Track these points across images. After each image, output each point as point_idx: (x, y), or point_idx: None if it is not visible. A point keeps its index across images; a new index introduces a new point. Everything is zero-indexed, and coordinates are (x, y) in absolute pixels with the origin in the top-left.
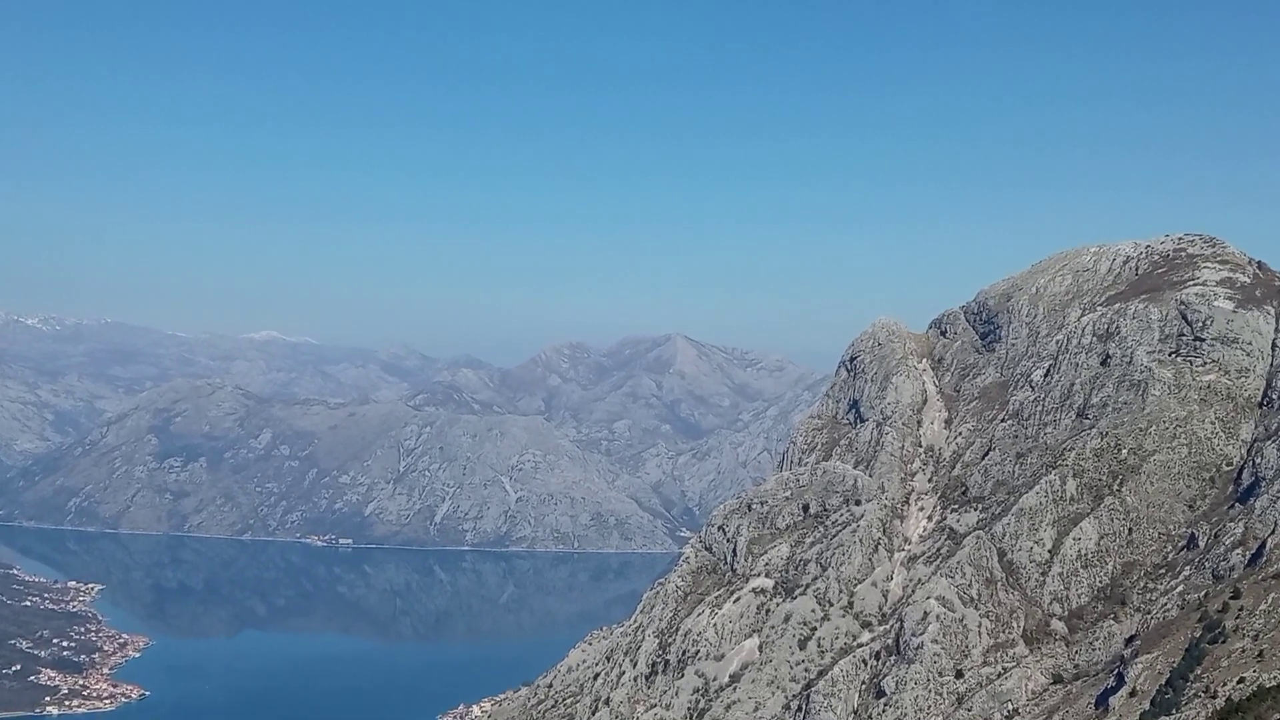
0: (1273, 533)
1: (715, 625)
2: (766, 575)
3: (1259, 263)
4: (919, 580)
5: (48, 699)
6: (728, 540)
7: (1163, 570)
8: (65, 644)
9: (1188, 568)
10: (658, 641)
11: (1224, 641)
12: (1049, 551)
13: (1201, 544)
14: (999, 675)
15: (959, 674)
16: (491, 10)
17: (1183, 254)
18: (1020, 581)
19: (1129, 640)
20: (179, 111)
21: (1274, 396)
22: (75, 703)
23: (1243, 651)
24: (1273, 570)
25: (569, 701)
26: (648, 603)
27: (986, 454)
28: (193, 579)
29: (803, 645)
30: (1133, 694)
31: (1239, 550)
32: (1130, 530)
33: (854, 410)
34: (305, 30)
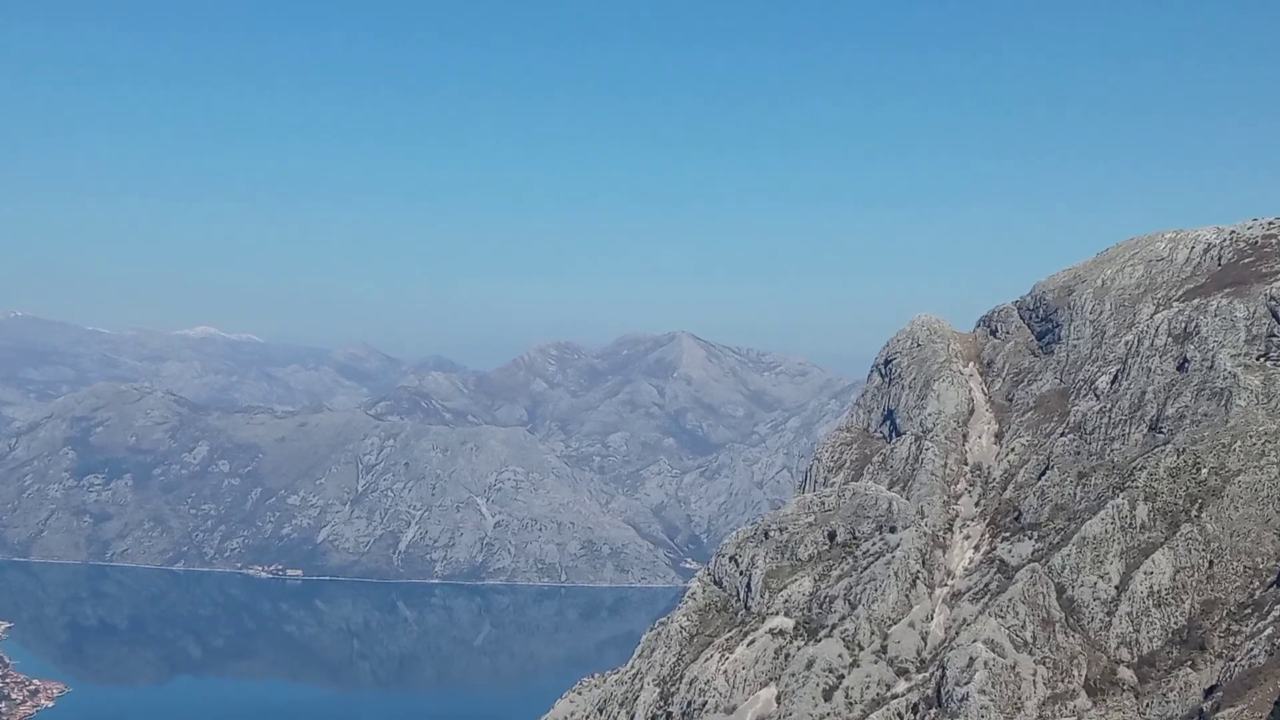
0: None
1: (726, 672)
2: (786, 614)
3: None
4: (964, 620)
5: None
6: (741, 573)
7: (1249, 610)
8: None
9: (1278, 607)
10: (659, 691)
11: None
12: (1116, 588)
13: None
14: None
15: None
16: None
17: (1273, 241)
18: (1082, 622)
19: (1209, 691)
20: (96, 70)
21: None
22: None
23: None
24: None
25: None
26: (647, 645)
27: (1043, 473)
28: (116, 616)
29: (828, 696)
30: None
31: None
32: (1211, 563)
33: (889, 422)
34: None
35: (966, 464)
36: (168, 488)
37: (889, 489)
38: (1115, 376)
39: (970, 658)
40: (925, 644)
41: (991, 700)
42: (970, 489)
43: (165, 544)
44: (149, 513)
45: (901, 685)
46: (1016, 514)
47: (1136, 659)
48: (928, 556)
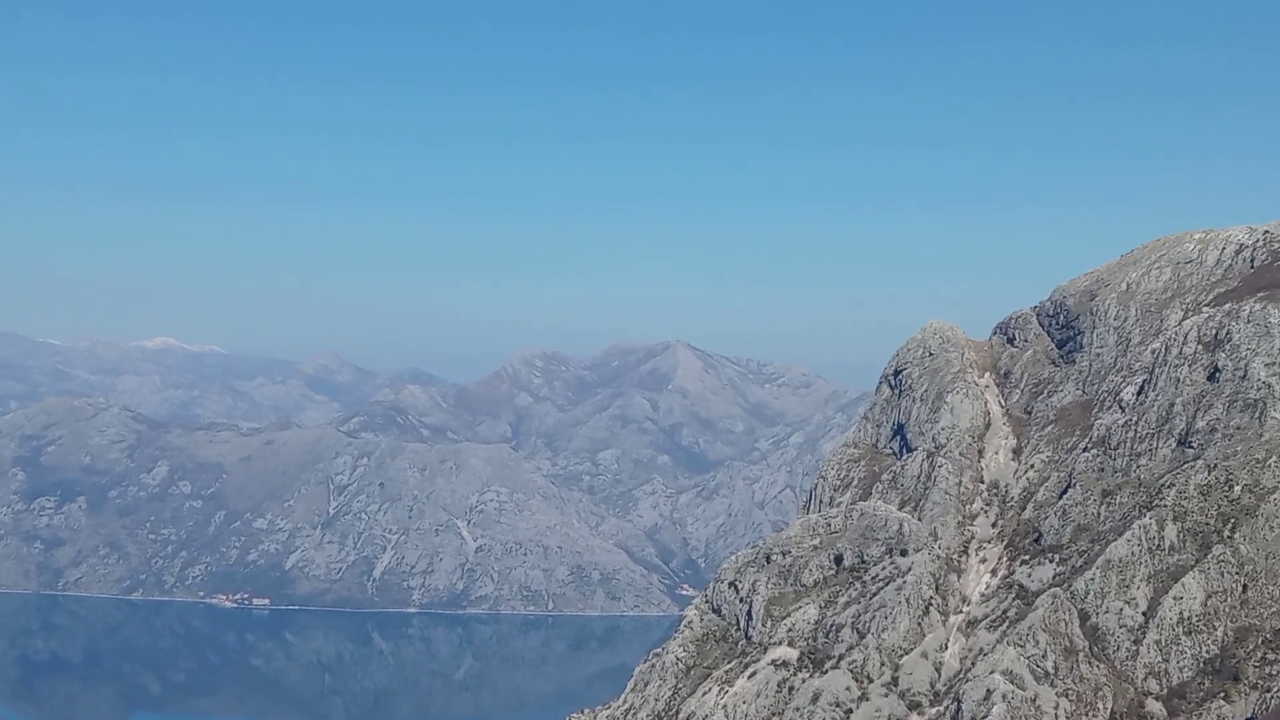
0: None
1: (726, 706)
2: (790, 644)
3: None
4: (980, 650)
5: None
6: (741, 600)
7: None
8: None
9: None
10: None
11: None
12: (1143, 614)
13: None
14: None
15: None
16: None
17: None
18: (1107, 651)
19: None
20: (37, 61)
21: None
22: None
23: None
24: None
25: None
26: (641, 678)
27: (1065, 492)
28: (69, 649)
29: None
30: None
31: None
32: (1245, 587)
33: (899, 437)
34: None
35: (983, 482)
36: (125, 511)
37: (900, 509)
38: (1141, 387)
39: (988, 690)
40: (939, 675)
41: None
42: (987, 509)
43: (122, 572)
44: (105, 538)
45: (914, 719)
46: (1036, 535)
47: (1166, 690)
48: (941, 581)
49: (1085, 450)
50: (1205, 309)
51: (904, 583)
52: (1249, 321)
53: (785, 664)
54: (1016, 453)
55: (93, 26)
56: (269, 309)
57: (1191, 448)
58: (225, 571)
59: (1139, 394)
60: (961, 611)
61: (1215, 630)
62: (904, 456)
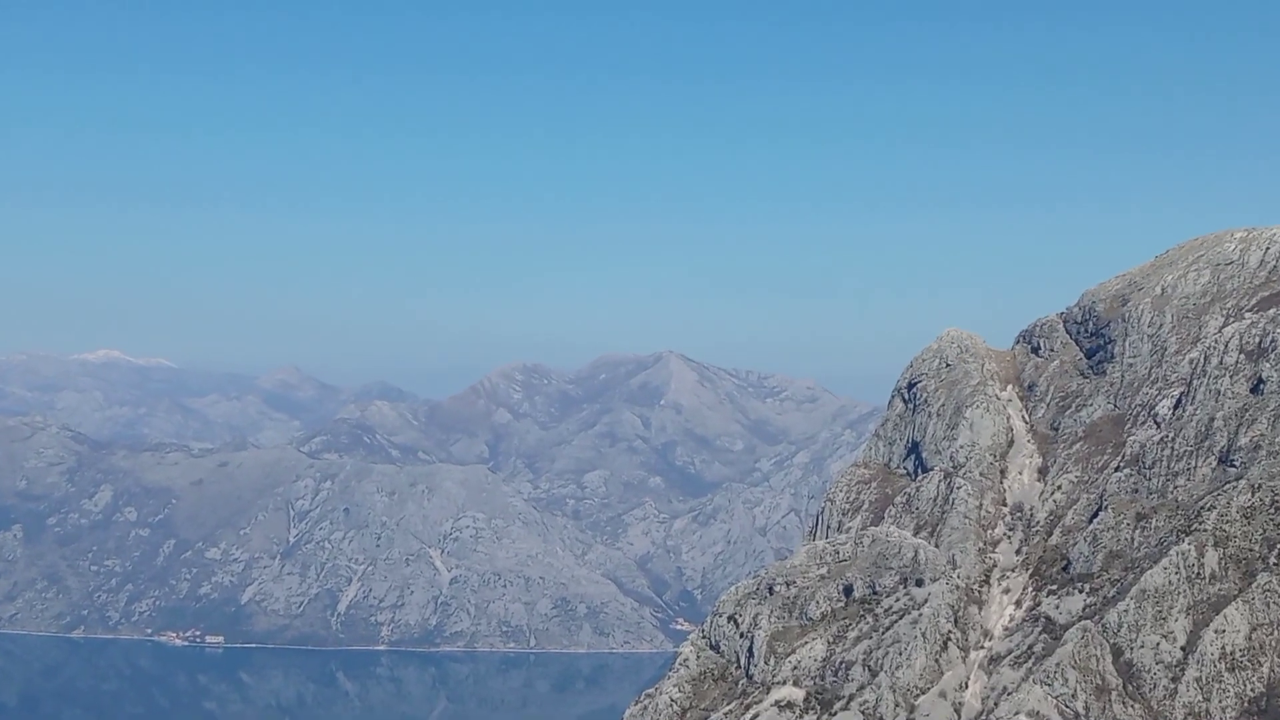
0: None
1: None
2: (795, 683)
3: None
4: (1004, 689)
5: None
6: (741, 635)
7: None
8: None
9: None
10: None
11: None
12: (1182, 649)
13: None
14: None
15: None
16: None
17: None
18: (1143, 690)
19: None
20: None
21: None
22: None
23: None
24: None
25: None
26: None
27: (1095, 515)
28: (3, 692)
29: None
30: None
31: None
32: None
33: (913, 456)
34: None
35: (1005, 505)
36: (64, 540)
37: (915, 535)
38: (1178, 400)
39: None
40: (959, 717)
41: None
42: (1010, 534)
43: (62, 607)
44: (42, 570)
45: None
46: (1064, 563)
47: None
48: (961, 614)
49: (1117, 470)
50: (1248, 314)
51: (920, 615)
52: None
53: (790, 705)
54: (1042, 472)
55: (17, 21)
56: (223, 319)
57: (1234, 466)
58: (175, 606)
59: (1176, 408)
60: (983, 647)
61: (1261, 666)
62: (919, 477)
